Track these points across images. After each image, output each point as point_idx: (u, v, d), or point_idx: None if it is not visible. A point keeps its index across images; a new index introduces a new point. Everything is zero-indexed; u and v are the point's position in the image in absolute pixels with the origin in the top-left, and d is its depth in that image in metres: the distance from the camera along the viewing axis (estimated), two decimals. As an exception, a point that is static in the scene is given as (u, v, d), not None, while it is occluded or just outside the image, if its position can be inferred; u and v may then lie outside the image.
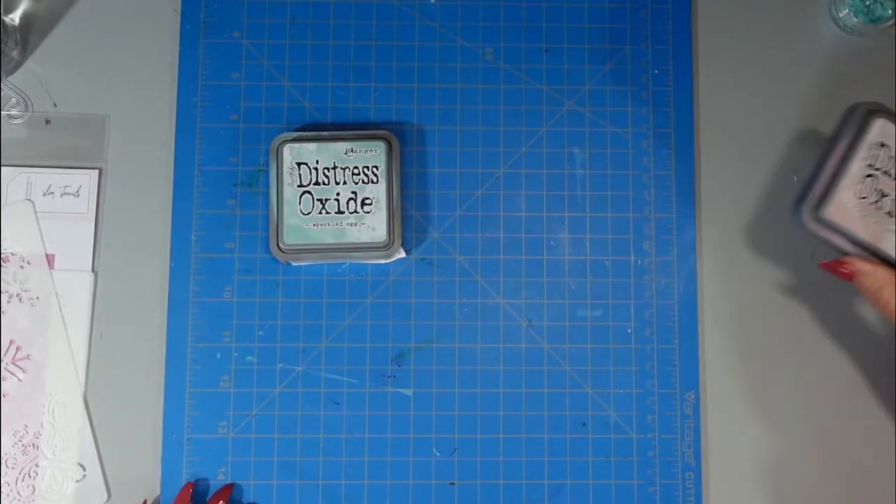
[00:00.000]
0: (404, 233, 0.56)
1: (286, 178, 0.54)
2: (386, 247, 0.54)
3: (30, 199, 0.55)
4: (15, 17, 0.57)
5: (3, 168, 0.55)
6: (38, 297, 0.55)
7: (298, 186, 0.54)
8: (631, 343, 0.56)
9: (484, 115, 0.57)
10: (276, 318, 0.55)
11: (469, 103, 0.57)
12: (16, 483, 0.53)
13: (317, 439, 0.54)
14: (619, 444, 0.55)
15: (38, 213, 0.55)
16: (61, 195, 0.56)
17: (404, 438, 0.55)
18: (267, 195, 0.56)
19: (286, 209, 0.54)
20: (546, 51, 0.58)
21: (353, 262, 0.56)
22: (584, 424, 0.55)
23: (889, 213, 0.49)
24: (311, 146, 0.55)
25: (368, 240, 0.54)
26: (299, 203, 0.54)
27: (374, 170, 0.55)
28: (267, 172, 0.56)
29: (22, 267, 0.55)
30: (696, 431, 0.55)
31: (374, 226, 0.54)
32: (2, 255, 0.55)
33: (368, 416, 0.55)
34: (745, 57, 0.59)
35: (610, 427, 0.55)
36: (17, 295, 0.55)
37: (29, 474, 0.53)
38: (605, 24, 0.58)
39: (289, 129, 0.56)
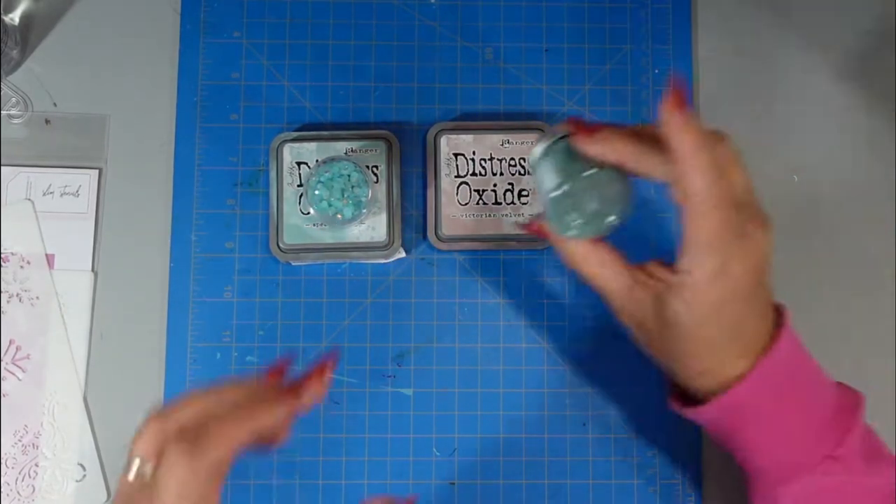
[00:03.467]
0: (404, 233, 0.56)
1: (286, 177, 0.55)
2: (386, 247, 0.54)
3: (30, 199, 0.55)
4: (15, 17, 0.57)
5: (3, 168, 0.55)
6: (38, 297, 0.55)
7: (298, 186, 0.54)
8: (631, 342, 0.56)
9: (484, 116, 0.57)
10: (276, 318, 0.55)
11: (469, 103, 0.57)
12: (16, 483, 0.53)
13: (317, 439, 0.54)
14: (619, 444, 0.55)
15: (38, 213, 0.55)
16: (61, 195, 0.56)
17: (404, 438, 0.55)
18: (267, 195, 0.56)
19: (286, 209, 0.54)
20: (546, 51, 0.58)
21: (353, 262, 0.56)
22: (584, 424, 0.55)
23: (496, 202, 0.54)
24: (311, 146, 0.55)
25: (368, 240, 0.54)
26: (299, 203, 0.54)
27: (374, 170, 0.55)
28: (267, 172, 0.56)
29: (22, 267, 0.55)
30: (697, 431, 0.55)
31: (374, 226, 0.54)
32: (2, 255, 0.55)
33: (368, 416, 0.55)
34: (745, 57, 0.59)
35: (610, 427, 0.55)
36: (17, 295, 0.55)
37: (29, 474, 0.53)
38: (605, 24, 0.58)
39: (289, 129, 0.56)
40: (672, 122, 0.39)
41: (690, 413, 0.44)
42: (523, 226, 0.47)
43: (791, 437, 0.43)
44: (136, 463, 0.39)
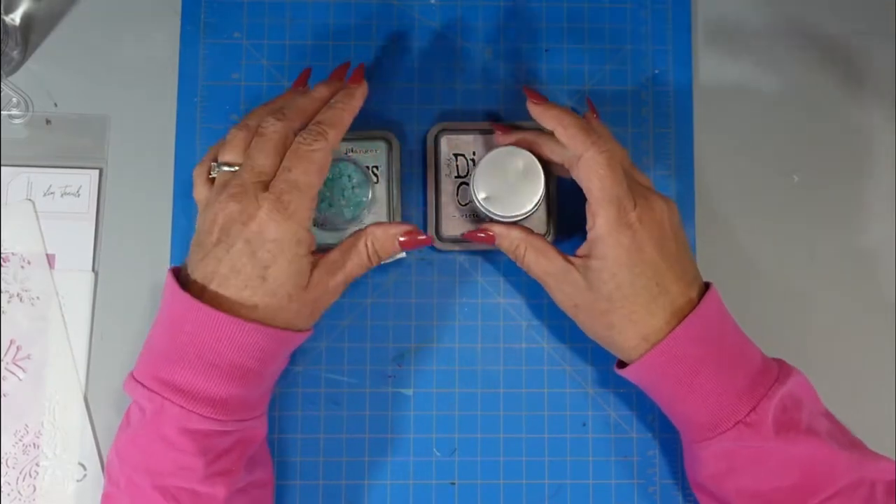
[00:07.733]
0: (404, 233, 0.56)
1: (286, 178, 0.54)
2: (386, 247, 0.54)
3: (30, 199, 0.56)
4: (15, 17, 0.57)
5: (3, 168, 0.55)
6: (38, 297, 0.55)
7: (298, 186, 0.54)
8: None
9: (484, 115, 0.57)
10: (276, 318, 0.55)
11: (469, 103, 0.57)
12: (16, 482, 0.53)
13: (317, 439, 0.54)
14: (619, 444, 0.55)
15: (39, 213, 0.55)
16: (62, 195, 0.56)
17: (404, 438, 0.55)
18: (267, 195, 0.56)
19: (286, 209, 0.54)
20: (546, 51, 0.58)
21: (353, 262, 0.55)
22: (584, 424, 0.55)
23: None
24: (311, 146, 0.55)
25: (368, 240, 0.54)
26: (299, 203, 0.54)
27: (374, 170, 0.55)
28: (267, 172, 0.56)
29: (22, 267, 0.55)
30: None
31: (374, 226, 0.54)
32: (2, 255, 0.55)
33: (368, 417, 0.55)
34: (746, 56, 0.59)
35: (610, 427, 0.55)
36: (18, 295, 0.55)
37: (30, 474, 0.53)
38: (605, 24, 0.58)
39: (289, 129, 0.56)
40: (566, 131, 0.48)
41: (619, 373, 0.50)
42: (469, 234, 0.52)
43: (706, 403, 0.46)
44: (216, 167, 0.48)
